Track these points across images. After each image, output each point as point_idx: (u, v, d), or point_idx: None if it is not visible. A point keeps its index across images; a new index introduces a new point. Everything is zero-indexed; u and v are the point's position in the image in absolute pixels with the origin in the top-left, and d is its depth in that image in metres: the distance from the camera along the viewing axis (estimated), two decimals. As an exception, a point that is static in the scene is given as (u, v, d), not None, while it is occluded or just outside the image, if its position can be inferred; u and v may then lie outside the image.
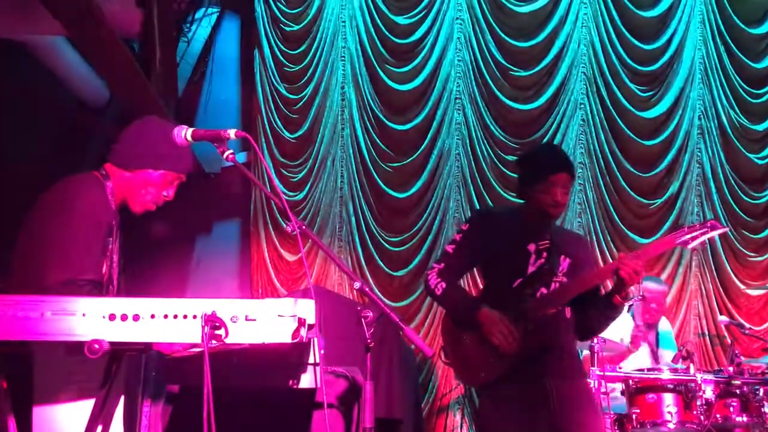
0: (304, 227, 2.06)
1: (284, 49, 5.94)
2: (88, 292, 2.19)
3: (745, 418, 3.89)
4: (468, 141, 5.95)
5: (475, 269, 3.23)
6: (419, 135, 5.93)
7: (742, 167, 6.17)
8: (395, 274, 5.83)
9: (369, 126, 5.94)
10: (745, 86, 6.21)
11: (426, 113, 5.94)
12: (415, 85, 5.94)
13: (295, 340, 1.84)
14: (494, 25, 5.94)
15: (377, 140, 5.93)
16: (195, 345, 1.85)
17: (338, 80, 5.98)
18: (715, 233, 2.78)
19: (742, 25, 6.20)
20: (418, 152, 5.92)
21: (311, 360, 2.13)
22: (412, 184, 5.91)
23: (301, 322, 1.85)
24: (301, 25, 5.96)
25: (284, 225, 5.13)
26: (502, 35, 5.93)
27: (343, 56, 5.99)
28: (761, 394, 3.93)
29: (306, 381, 2.13)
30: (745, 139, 6.19)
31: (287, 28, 5.95)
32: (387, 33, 5.96)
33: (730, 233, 6.04)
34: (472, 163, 5.93)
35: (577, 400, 2.87)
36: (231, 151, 2.08)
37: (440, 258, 3.04)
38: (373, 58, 5.96)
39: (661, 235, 2.81)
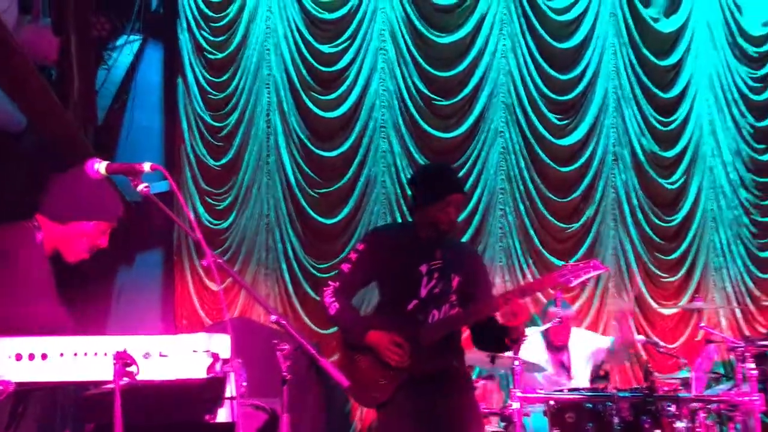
0: (219, 260, 2.07)
1: (208, 76, 5.92)
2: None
3: (658, 435, 4.04)
4: (393, 168, 6.04)
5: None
6: (345, 162, 5.99)
7: (654, 192, 6.47)
8: (324, 301, 5.83)
9: (295, 153, 5.96)
10: (656, 115, 6.53)
11: (352, 141, 6.01)
12: (341, 112, 6.01)
13: (210, 375, 1.84)
14: (416, 55, 6.08)
15: (304, 167, 5.96)
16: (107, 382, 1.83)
17: (263, 108, 5.99)
18: (596, 273, 2.92)
19: (652, 57, 6.54)
20: (345, 179, 5.97)
21: (228, 394, 2.13)
22: (339, 210, 5.95)
23: (216, 357, 1.85)
24: (225, 53, 5.95)
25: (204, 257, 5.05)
26: (424, 65, 6.08)
27: (268, 84, 6.01)
28: (673, 410, 4.09)
29: (223, 415, 2.13)
30: (656, 165, 6.50)
31: (211, 56, 5.93)
32: (312, 61, 6.01)
33: (643, 255, 6.32)
34: (398, 190, 6.02)
35: (465, 416, 3.04)
36: (145, 184, 2.07)
37: (336, 276, 3.13)
38: (298, 86, 6.00)
39: (550, 272, 3.01)
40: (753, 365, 4.08)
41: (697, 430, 4.11)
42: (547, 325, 4.75)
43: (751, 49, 6.74)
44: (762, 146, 6.73)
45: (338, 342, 3.21)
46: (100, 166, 2.10)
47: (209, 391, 2.08)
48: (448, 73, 6.13)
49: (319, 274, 5.82)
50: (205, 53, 5.93)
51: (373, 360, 2.98)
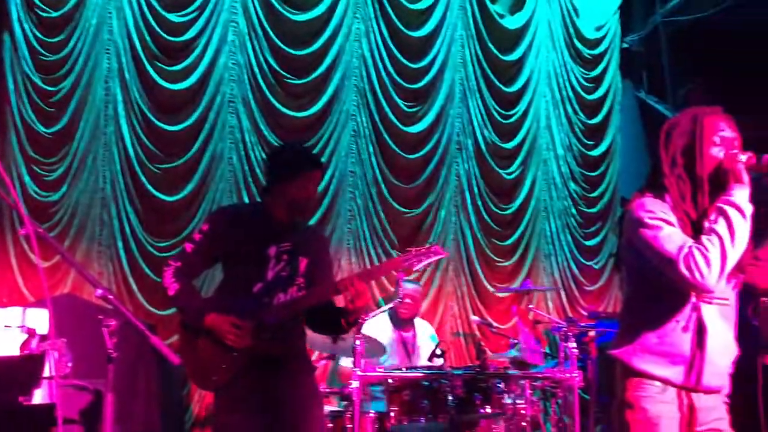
0: (39, 230, 1.90)
1: (40, 35, 5.44)
2: None
3: (489, 410, 4.23)
4: (242, 145, 5.88)
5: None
6: (190, 137, 5.74)
7: (493, 181, 6.78)
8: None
9: (135, 124, 5.64)
10: (498, 107, 6.84)
11: (198, 115, 5.76)
12: (187, 85, 5.74)
13: (25, 353, 1.69)
14: (269, 30, 5.94)
15: (144, 140, 5.64)
16: None
17: (102, 74, 5.60)
18: (437, 257, 3.05)
19: (496, 51, 6.83)
20: (189, 154, 5.73)
21: (47, 373, 1.97)
22: (182, 187, 5.71)
23: (32, 333, 1.71)
24: (61, 12, 5.50)
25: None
26: (277, 41, 5.96)
27: (108, 49, 5.62)
28: (503, 386, 4.33)
29: (40, 396, 1.97)
30: (496, 156, 6.81)
31: (44, 13, 5.46)
32: (158, 29, 5.70)
33: (481, 241, 6.62)
34: (246, 167, 5.87)
35: (305, 397, 3.04)
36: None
37: (177, 256, 3.03)
38: (141, 54, 5.66)
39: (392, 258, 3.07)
40: (574, 344, 4.40)
41: (524, 405, 4.37)
42: (390, 305, 4.89)
43: (585, 51, 7.22)
44: (591, 142, 7.26)
45: (178, 324, 3.10)
46: None
47: (24, 369, 1.91)
48: (301, 51, 6.04)
49: (158, 254, 5.55)
50: (37, 10, 5.45)
51: (213, 343, 2.91)
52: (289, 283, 3.01)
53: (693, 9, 6.84)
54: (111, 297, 1.95)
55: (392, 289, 5.81)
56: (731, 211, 2.25)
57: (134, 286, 5.50)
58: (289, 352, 3.03)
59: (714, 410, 2.40)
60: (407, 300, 4.93)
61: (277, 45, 5.97)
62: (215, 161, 5.79)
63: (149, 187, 5.62)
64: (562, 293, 6.85)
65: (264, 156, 5.83)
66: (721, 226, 2.24)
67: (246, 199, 5.78)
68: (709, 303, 2.35)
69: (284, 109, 5.97)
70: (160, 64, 5.72)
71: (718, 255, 2.21)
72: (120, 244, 5.53)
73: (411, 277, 5.47)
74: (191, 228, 5.65)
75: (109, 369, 1.93)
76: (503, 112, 6.86)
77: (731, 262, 2.23)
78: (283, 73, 5.97)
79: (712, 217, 2.29)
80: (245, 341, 2.88)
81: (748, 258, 2.35)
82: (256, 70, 5.90)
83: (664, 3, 7.12)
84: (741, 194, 2.27)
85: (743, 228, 2.24)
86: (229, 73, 5.85)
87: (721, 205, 2.28)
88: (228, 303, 2.95)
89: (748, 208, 2.26)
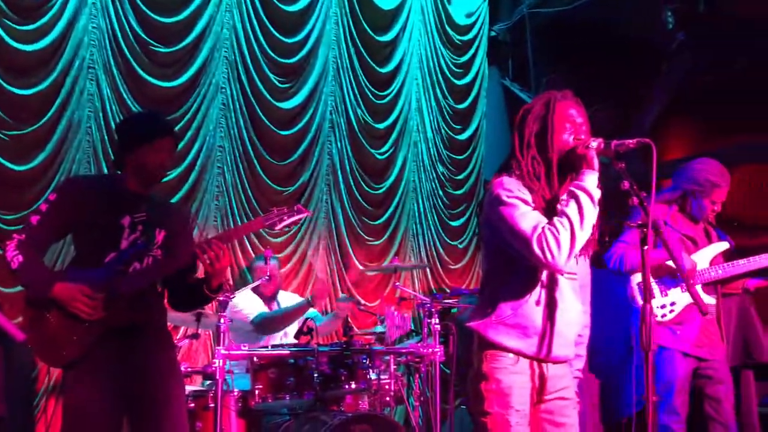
0: None
1: None
2: None
3: (354, 386, 4.28)
4: (102, 114, 5.54)
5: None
6: (43, 102, 5.33)
7: (366, 161, 6.84)
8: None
9: (-19, 87, 5.18)
10: (371, 88, 6.88)
11: (53, 79, 5.35)
12: (41, 46, 5.31)
13: None
14: (135, -5, 5.64)
15: (-9, 104, 5.21)
16: None
17: (-59, 30, 5.10)
18: (299, 216, 3.04)
19: (371, 31, 6.86)
20: (42, 121, 5.32)
21: None
22: (34, 155, 5.29)
23: None
24: None
25: None
26: (142, 6, 5.65)
27: (-50, 4, 5.13)
28: (368, 362, 4.40)
29: None
30: (369, 136, 6.87)
31: None
32: (8, -16, 5.25)
33: (353, 219, 6.68)
34: (106, 137, 5.54)
35: (164, 372, 2.96)
36: None
37: (23, 229, 2.88)
38: (-10, 11, 5.20)
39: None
40: (437, 320, 4.55)
41: (388, 380, 4.47)
42: (257, 282, 4.87)
43: (456, 37, 7.41)
44: (459, 127, 7.48)
45: (24, 300, 2.91)
46: None
47: None
48: (168, 19, 5.77)
49: (4, 227, 5.16)
50: None
51: (63, 315, 2.77)
52: (145, 253, 2.91)
53: (555, 2, 7.18)
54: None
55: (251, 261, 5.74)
56: (581, 195, 2.38)
57: (-22, 262, 5.09)
58: (146, 323, 2.93)
59: (562, 378, 2.56)
60: (265, 277, 4.92)
61: (143, 10, 5.66)
62: (72, 130, 5.42)
63: (-4, 155, 5.20)
64: (428, 271, 7.05)
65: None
66: (571, 209, 2.37)
67: (105, 170, 5.48)
68: (560, 277, 2.49)
69: (149, 78, 5.69)
70: (9, 23, 5.26)
71: (568, 237, 2.34)
72: (-39, 217, 5.10)
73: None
74: (43, 200, 5.28)
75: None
76: (376, 92, 6.92)
77: (580, 243, 2.37)
78: (149, 40, 5.68)
79: (563, 199, 2.42)
80: (98, 311, 2.76)
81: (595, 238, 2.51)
82: (119, 35, 5.56)
83: (530, -6, 7.44)
84: (591, 179, 2.41)
85: (591, 211, 2.38)
86: (89, 36, 5.49)
87: (572, 188, 2.42)
88: (78, 274, 2.81)
89: (597, 193, 2.41)
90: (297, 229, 6.27)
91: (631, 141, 2.39)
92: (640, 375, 2.32)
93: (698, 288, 4.03)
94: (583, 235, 2.37)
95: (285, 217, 2.99)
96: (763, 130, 6.56)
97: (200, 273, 3.07)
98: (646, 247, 2.37)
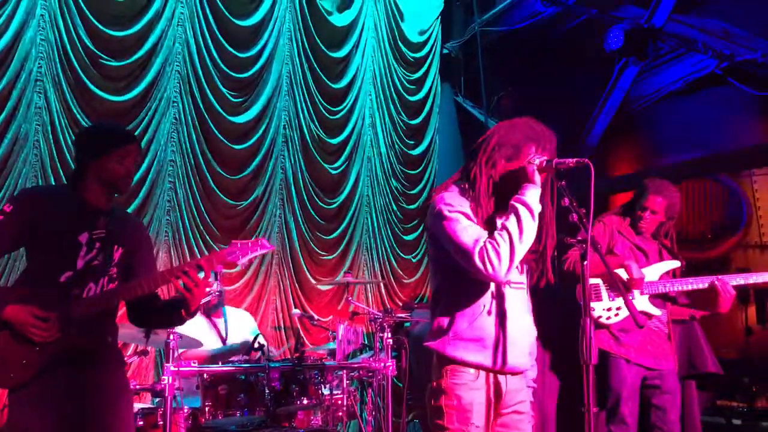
0: None
1: None
2: None
3: (306, 401, 4.27)
4: (50, 128, 5.45)
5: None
6: (-12, 115, 5.24)
7: (319, 175, 6.85)
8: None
9: (-77, 99, 5.05)
10: (325, 103, 6.92)
11: (-2, 92, 5.28)
12: (-15, 59, 5.24)
13: None
14: (84, 7, 5.56)
15: (-66, 117, 5.07)
16: None
17: None
18: (263, 251, 2.96)
19: (324, 48, 6.89)
20: (-14, 135, 5.23)
21: None
22: (-23, 170, 5.20)
23: None
24: None
25: None
26: (93, 20, 5.59)
27: None
28: (320, 377, 4.39)
29: None
30: (322, 151, 6.89)
31: None
32: (-48, -5, 5.15)
33: (306, 234, 6.67)
34: (54, 151, 5.45)
35: (114, 393, 2.89)
36: None
37: None
38: (-69, 21, 5.08)
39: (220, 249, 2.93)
40: (389, 334, 4.57)
41: (341, 395, 4.47)
42: (207, 298, 4.81)
43: (408, 54, 7.50)
44: (412, 142, 7.56)
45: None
46: None
47: None
48: (119, 33, 5.72)
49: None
50: None
51: (13, 337, 2.67)
52: (101, 273, 2.82)
53: (506, 21, 7.33)
54: None
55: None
56: (521, 209, 2.45)
57: None
58: (98, 346, 2.85)
59: (519, 392, 2.60)
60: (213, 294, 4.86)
61: (94, 24, 5.59)
62: (18, 143, 5.31)
63: (-62, 168, 5.07)
64: (382, 285, 7.08)
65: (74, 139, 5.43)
66: (511, 223, 2.43)
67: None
68: (507, 288, 2.54)
69: (99, 92, 5.62)
70: (-47, 34, 5.17)
71: (507, 250, 2.40)
72: None
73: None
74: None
75: None
76: (330, 107, 6.95)
77: (519, 256, 2.43)
78: (99, 53, 5.62)
79: (505, 215, 2.48)
80: (51, 336, 2.68)
81: (534, 250, 2.57)
82: (69, 48, 5.49)
83: (482, 13, 7.57)
84: (531, 193, 2.48)
85: (531, 225, 2.44)
86: (37, 49, 5.40)
87: (512, 202, 2.48)
88: (31, 293, 2.71)
89: (538, 207, 2.47)
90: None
91: (571, 160, 2.46)
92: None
93: (645, 299, 4.11)
94: (523, 247, 2.42)
95: (248, 251, 2.87)
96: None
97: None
98: (585, 263, 2.43)
